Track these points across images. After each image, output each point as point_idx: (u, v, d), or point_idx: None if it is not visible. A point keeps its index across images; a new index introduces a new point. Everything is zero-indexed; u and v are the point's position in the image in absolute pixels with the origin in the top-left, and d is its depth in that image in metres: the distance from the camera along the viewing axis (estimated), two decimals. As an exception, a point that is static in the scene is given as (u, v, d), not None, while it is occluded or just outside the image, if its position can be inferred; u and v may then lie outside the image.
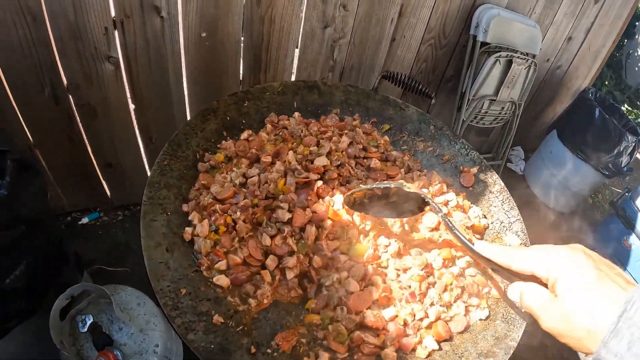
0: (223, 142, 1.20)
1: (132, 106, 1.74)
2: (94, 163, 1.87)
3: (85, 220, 2.05)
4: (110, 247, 1.99)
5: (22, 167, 1.26)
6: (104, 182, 1.98)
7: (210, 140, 1.19)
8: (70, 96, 1.61)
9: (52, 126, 1.65)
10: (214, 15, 1.60)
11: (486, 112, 2.10)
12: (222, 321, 0.88)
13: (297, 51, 1.84)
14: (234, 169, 1.14)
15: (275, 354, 0.88)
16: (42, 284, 1.32)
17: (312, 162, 1.16)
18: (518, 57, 1.98)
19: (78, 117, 1.68)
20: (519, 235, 1.19)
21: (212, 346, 0.83)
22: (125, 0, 1.46)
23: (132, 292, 1.45)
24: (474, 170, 1.34)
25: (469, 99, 2.04)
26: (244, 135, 1.22)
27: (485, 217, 1.26)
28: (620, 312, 0.55)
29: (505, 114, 2.14)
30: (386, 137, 1.38)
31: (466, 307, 1.06)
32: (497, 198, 1.28)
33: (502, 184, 1.30)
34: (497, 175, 1.33)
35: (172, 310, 0.85)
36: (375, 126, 1.40)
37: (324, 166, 1.15)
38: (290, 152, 1.16)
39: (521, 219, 1.22)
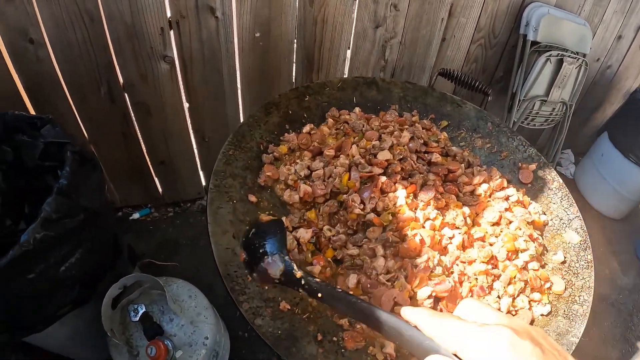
0: (285, 134, 1.20)
1: (186, 105, 1.77)
2: (147, 160, 1.90)
3: (136, 215, 2.09)
4: (160, 242, 2.01)
5: (82, 159, 1.29)
6: (156, 179, 2.02)
7: (273, 133, 1.20)
8: (125, 95, 1.65)
9: (108, 123, 1.69)
10: (268, 16, 1.61)
11: (537, 113, 2.05)
12: (289, 308, 0.87)
13: (349, 51, 1.84)
14: (298, 161, 1.14)
15: (341, 342, 0.87)
16: (96, 274, 1.35)
17: (375, 156, 1.15)
18: (569, 57, 1.94)
19: (133, 115, 1.71)
20: (578, 232, 1.17)
21: (280, 332, 0.82)
22: (180, 1, 1.48)
23: (184, 285, 1.47)
24: (533, 166, 1.31)
25: (519, 100, 2.00)
26: (306, 128, 1.23)
27: (544, 213, 1.24)
28: None
29: (556, 115, 2.10)
30: (445, 133, 1.36)
31: (529, 301, 1.04)
32: (556, 195, 1.26)
33: (561, 180, 1.28)
34: (555, 172, 1.30)
35: (239, 295, 0.85)
36: (434, 122, 1.39)
37: (386, 160, 1.14)
38: (354, 146, 1.16)
39: (580, 216, 1.20)
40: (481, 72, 2.10)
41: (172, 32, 1.55)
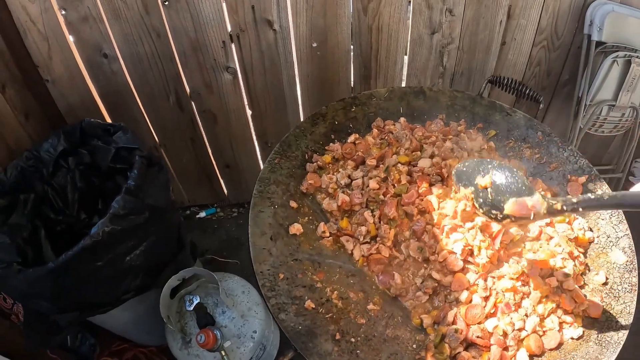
0: (331, 144, 1.26)
1: (249, 112, 1.88)
2: (214, 163, 2.04)
3: (202, 214, 2.25)
4: (224, 240, 2.16)
5: (149, 163, 1.44)
6: (222, 181, 2.16)
7: (318, 143, 1.27)
8: (192, 103, 1.79)
9: (176, 129, 1.84)
10: (323, 26, 1.68)
11: (605, 119, 1.94)
12: (313, 307, 0.95)
13: (405, 58, 1.87)
14: (340, 170, 1.20)
15: (358, 343, 0.93)
16: (158, 265, 1.49)
17: (415, 166, 1.18)
18: (638, 57, 1.82)
19: (200, 122, 1.85)
20: (625, 252, 1.11)
21: (300, 327, 0.90)
22: (239, 16, 1.59)
23: (239, 281, 1.58)
24: (582, 179, 1.27)
25: (586, 105, 1.91)
26: (351, 138, 1.28)
27: (591, 229, 1.19)
28: None
29: (626, 120, 1.96)
30: (492, 143, 1.35)
31: (560, 323, 1.01)
32: (606, 210, 1.20)
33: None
34: (607, 186, 1.26)
35: (268, 291, 0.93)
36: (481, 132, 1.39)
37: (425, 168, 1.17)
38: (394, 157, 1.19)
39: (630, 234, 1.14)
40: (545, 76, 2.03)
41: (233, 45, 1.66)
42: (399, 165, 1.16)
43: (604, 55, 1.85)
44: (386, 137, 1.28)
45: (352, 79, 1.86)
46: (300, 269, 1.02)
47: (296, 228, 1.07)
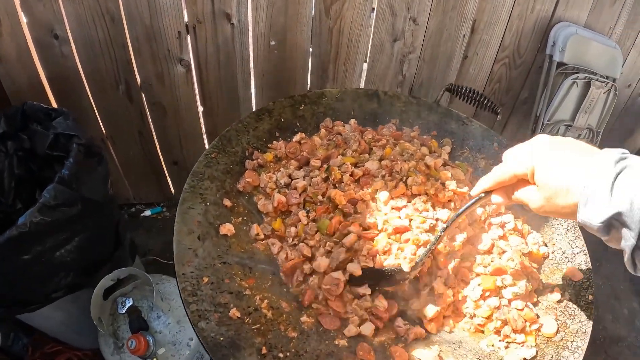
0: (274, 142, 1.20)
1: (200, 108, 1.81)
2: (161, 159, 1.95)
3: (147, 212, 2.14)
4: (168, 241, 2.03)
5: (88, 152, 1.35)
6: (169, 179, 2.06)
7: (261, 140, 1.20)
8: (143, 94, 1.70)
9: (125, 121, 1.75)
10: (283, 25, 1.63)
11: None
12: (239, 316, 0.86)
13: (365, 65, 1.83)
14: (282, 169, 1.13)
15: (285, 356, 0.84)
16: (93, 263, 1.40)
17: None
18: (597, 80, 1.83)
19: (149, 115, 1.76)
20: (581, 269, 1.07)
21: (222, 339, 0.81)
22: (197, 6, 1.52)
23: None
24: None
25: (543, 123, 1.91)
26: (297, 137, 1.22)
27: (545, 245, 1.15)
28: (584, 182, 0.63)
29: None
30: (446, 149, 1.31)
31: (508, 342, 0.96)
32: (562, 225, 1.17)
33: (568, 211, 1.19)
34: None
35: (189, 296, 0.85)
36: (435, 140, 1.35)
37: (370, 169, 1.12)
38: (339, 158, 1.14)
39: (586, 250, 1.10)
40: (505, 92, 2.03)
41: (189, 37, 1.59)
42: (344, 165, 1.09)
43: (565, 76, 1.86)
44: (334, 139, 1.21)
45: (309, 82, 1.81)
46: (228, 273, 0.93)
47: (227, 228, 0.99)
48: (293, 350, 0.86)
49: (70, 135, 1.38)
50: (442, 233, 0.94)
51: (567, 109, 1.89)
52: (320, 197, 1.04)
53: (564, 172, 0.67)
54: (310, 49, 1.72)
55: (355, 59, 1.77)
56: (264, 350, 0.83)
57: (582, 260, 1.09)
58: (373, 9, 1.68)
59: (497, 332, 0.97)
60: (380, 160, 1.13)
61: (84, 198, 1.30)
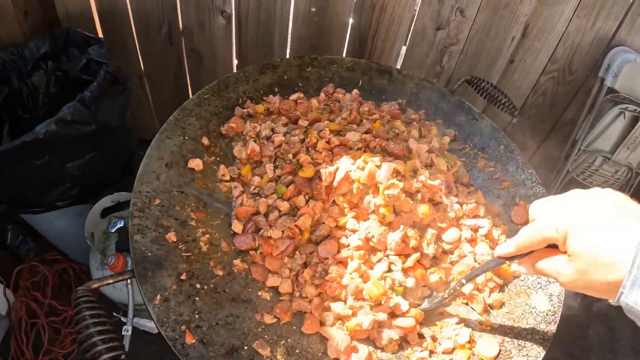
0: (270, 96, 1.22)
1: (235, 62, 1.85)
2: (191, 104, 2.02)
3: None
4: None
5: (113, 80, 1.44)
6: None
7: (259, 92, 1.22)
8: (183, 39, 1.76)
9: (163, 62, 1.82)
10: (326, -8, 1.63)
11: (596, 170, 1.78)
12: (174, 240, 0.89)
13: (404, 48, 1.79)
14: (268, 122, 1.15)
15: (202, 292, 0.87)
16: (98, 182, 1.50)
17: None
18: None
19: (186, 60, 1.83)
20: (551, 300, 0.99)
21: (149, 254, 0.84)
22: (244, -40, 1.55)
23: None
24: None
25: (579, 149, 1.77)
26: (294, 96, 1.23)
27: (520, 263, 1.08)
28: (633, 256, 0.50)
29: (618, 179, 1.79)
30: (447, 138, 1.27)
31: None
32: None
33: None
34: None
35: (137, 211, 0.89)
36: (439, 129, 1.30)
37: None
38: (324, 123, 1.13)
39: None
40: (548, 108, 1.91)
41: (233, -11, 1.63)
42: (326, 130, 1.09)
43: (614, 103, 1.71)
44: (330, 104, 1.21)
45: (344, 53, 1.80)
46: (182, 202, 0.96)
47: (195, 163, 1.03)
48: (212, 285, 0.88)
49: (100, 63, 1.48)
50: (453, 291, 0.92)
51: (608, 140, 1.73)
52: (290, 156, 1.04)
53: (606, 241, 0.54)
54: (351, 21, 1.71)
55: (394, 39, 1.74)
56: (183, 277, 0.86)
57: (555, 292, 1.01)
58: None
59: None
60: (365, 133, 1.12)
61: (100, 121, 1.40)
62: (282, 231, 0.94)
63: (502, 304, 1.01)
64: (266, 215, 1.00)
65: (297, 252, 0.97)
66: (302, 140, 1.08)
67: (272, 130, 1.12)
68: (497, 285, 1.03)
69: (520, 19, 1.67)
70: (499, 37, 1.72)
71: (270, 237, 0.94)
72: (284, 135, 1.10)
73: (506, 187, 1.22)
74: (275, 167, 1.05)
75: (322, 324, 0.89)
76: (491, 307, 1.01)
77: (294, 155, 1.05)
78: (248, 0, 1.65)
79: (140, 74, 1.86)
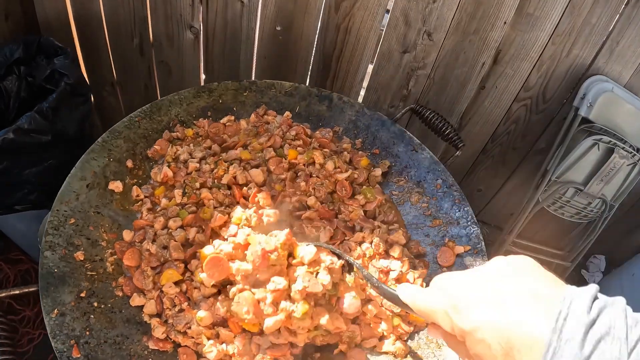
0: (201, 119, 1.23)
1: (203, 76, 1.88)
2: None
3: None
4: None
5: (74, 92, 1.49)
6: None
7: (191, 115, 1.24)
8: (153, 51, 1.81)
9: (134, 72, 1.87)
10: (292, 12, 1.63)
11: (568, 202, 1.72)
12: (82, 259, 0.93)
13: (370, 68, 1.78)
14: (187, 146, 1.16)
15: (98, 310, 0.90)
16: (57, 187, 1.54)
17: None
18: (623, 149, 1.60)
19: (156, 72, 1.87)
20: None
21: (56, 270, 0.89)
22: (212, -22, 1.57)
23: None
24: (460, 249, 1.12)
25: (550, 180, 1.71)
26: (224, 119, 1.24)
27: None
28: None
29: (591, 211, 1.73)
30: (379, 170, 1.26)
31: None
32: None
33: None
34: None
35: (52, 228, 0.93)
36: (374, 159, 1.29)
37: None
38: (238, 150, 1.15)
39: None
40: (520, 137, 1.86)
41: (201, 6, 1.66)
42: (238, 161, 1.10)
43: (587, 134, 1.64)
44: (259, 126, 1.22)
45: (309, 74, 1.81)
46: (96, 222, 1.00)
47: (115, 185, 1.06)
48: (110, 305, 0.92)
49: (63, 74, 1.53)
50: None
51: (581, 171, 1.66)
52: (197, 185, 1.06)
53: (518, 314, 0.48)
54: (316, 41, 1.71)
55: (359, 61, 1.73)
56: (83, 294, 0.90)
57: None
58: (388, 10, 1.63)
59: None
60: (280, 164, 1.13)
61: (58, 131, 1.45)
62: (163, 247, 0.97)
63: (406, 354, 0.99)
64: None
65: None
66: (212, 170, 1.10)
67: (190, 154, 1.14)
68: (404, 333, 1.00)
69: (491, 44, 1.64)
70: (468, 62, 1.69)
71: (148, 250, 0.97)
72: (199, 161, 1.12)
73: (437, 225, 1.19)
74: (184, 194, 1.07)
75: (199, 355, 0.91)
76: (394, 355, 0.98)
77: (201, 185, 1.07)
78: (215, 17, 1.67)
79: (113, 82, 1.91)
